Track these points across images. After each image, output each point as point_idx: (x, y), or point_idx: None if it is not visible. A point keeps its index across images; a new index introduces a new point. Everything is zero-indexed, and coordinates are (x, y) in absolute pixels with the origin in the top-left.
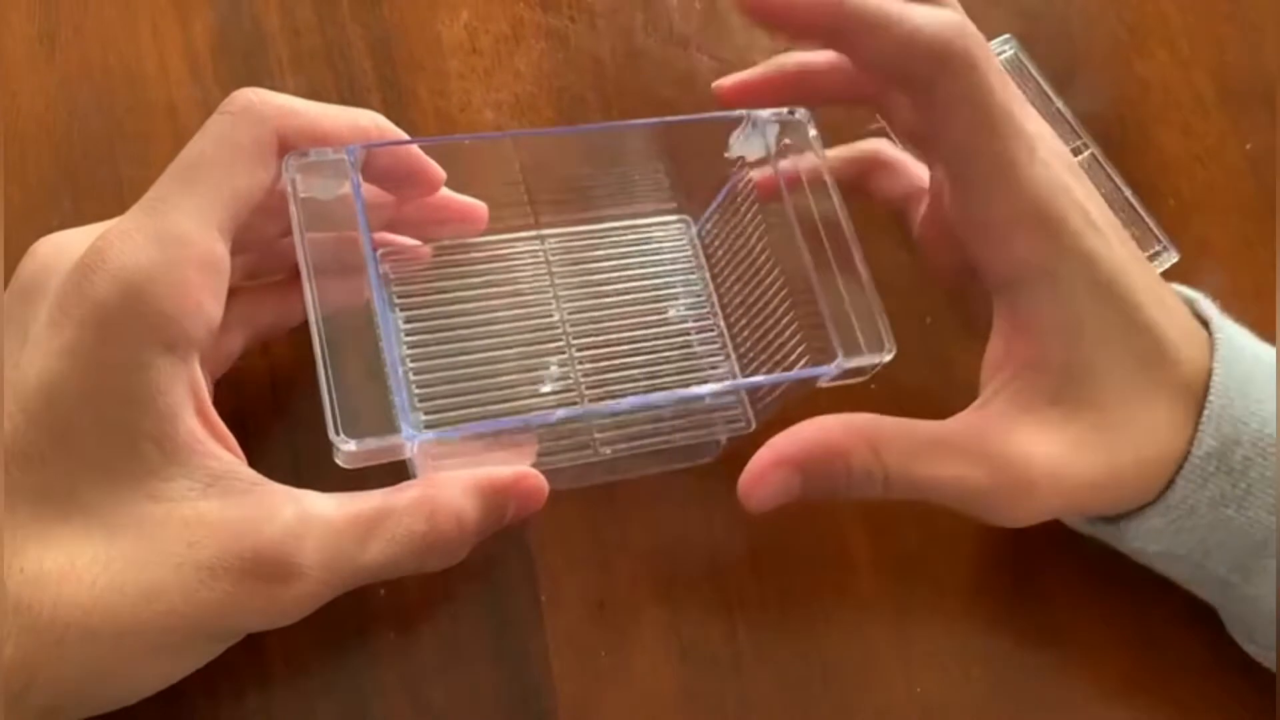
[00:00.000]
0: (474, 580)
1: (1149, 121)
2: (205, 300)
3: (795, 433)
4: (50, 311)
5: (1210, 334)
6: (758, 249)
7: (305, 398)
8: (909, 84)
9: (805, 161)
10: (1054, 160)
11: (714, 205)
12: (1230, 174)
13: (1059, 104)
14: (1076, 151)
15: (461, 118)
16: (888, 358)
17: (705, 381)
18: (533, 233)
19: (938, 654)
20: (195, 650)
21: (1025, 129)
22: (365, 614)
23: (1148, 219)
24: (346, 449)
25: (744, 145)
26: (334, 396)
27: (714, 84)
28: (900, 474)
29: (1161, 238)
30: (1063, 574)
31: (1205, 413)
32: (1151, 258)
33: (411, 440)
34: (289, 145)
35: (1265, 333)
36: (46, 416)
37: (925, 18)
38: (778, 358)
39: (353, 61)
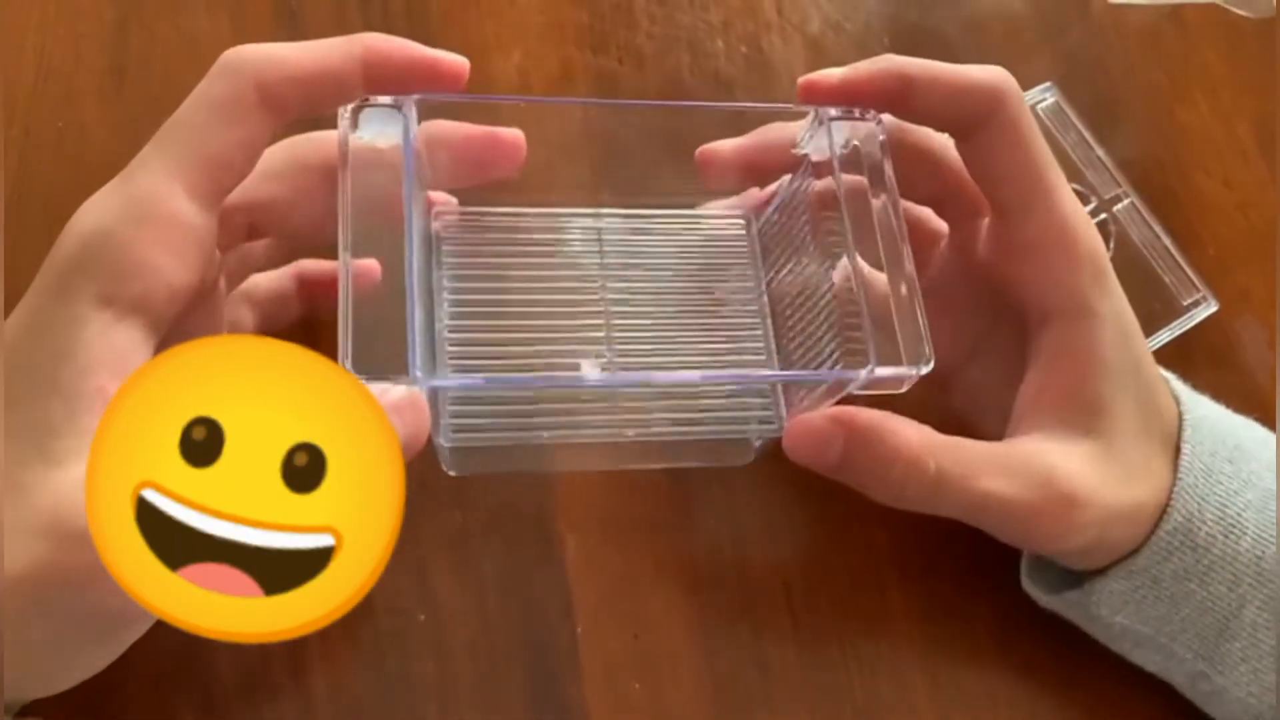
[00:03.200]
0: (511, 610)
1: (1190, 170)
2: (156, 257)
3: (856, 409)
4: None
5: (1180, 412)
6: (811, 249)
7: None
8: (962, 124)
9: (871, 164)
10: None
11: (774, 204)
12: (1271, 223)
13: (1099, 152)
14: (1116, 200)
15: None
16: (925, 369)
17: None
18: (589, 210)
19: (968, 696)
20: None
21: (1055, 164)
22: (405, 643)
23: (1187, 268)
24: None
25: (810, 143)
26: (351, 333)
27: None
28: (954, 481)
29: (1201, 287)
30: None
31: (1175, 489)
32: (1190, 306)
33: (420, 384)
34: (273, 95)
35: None
36: None
37: (976, 69)
38: (818, 360)
39: None
